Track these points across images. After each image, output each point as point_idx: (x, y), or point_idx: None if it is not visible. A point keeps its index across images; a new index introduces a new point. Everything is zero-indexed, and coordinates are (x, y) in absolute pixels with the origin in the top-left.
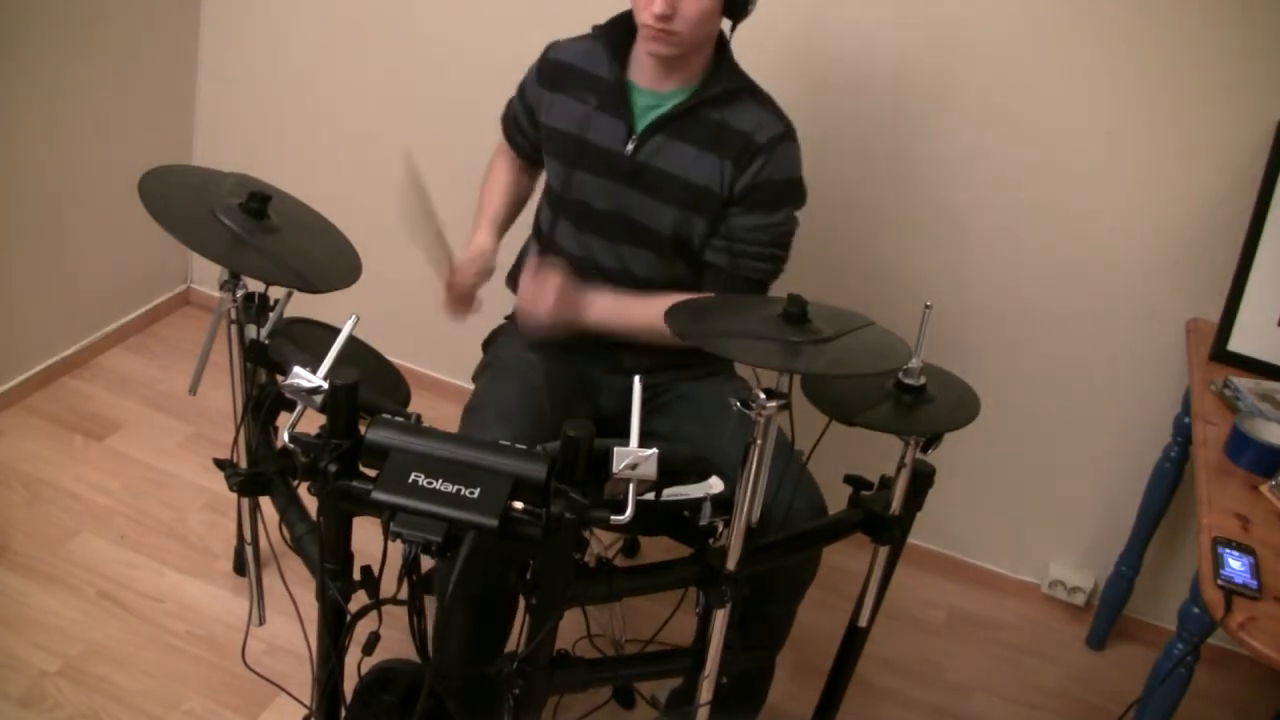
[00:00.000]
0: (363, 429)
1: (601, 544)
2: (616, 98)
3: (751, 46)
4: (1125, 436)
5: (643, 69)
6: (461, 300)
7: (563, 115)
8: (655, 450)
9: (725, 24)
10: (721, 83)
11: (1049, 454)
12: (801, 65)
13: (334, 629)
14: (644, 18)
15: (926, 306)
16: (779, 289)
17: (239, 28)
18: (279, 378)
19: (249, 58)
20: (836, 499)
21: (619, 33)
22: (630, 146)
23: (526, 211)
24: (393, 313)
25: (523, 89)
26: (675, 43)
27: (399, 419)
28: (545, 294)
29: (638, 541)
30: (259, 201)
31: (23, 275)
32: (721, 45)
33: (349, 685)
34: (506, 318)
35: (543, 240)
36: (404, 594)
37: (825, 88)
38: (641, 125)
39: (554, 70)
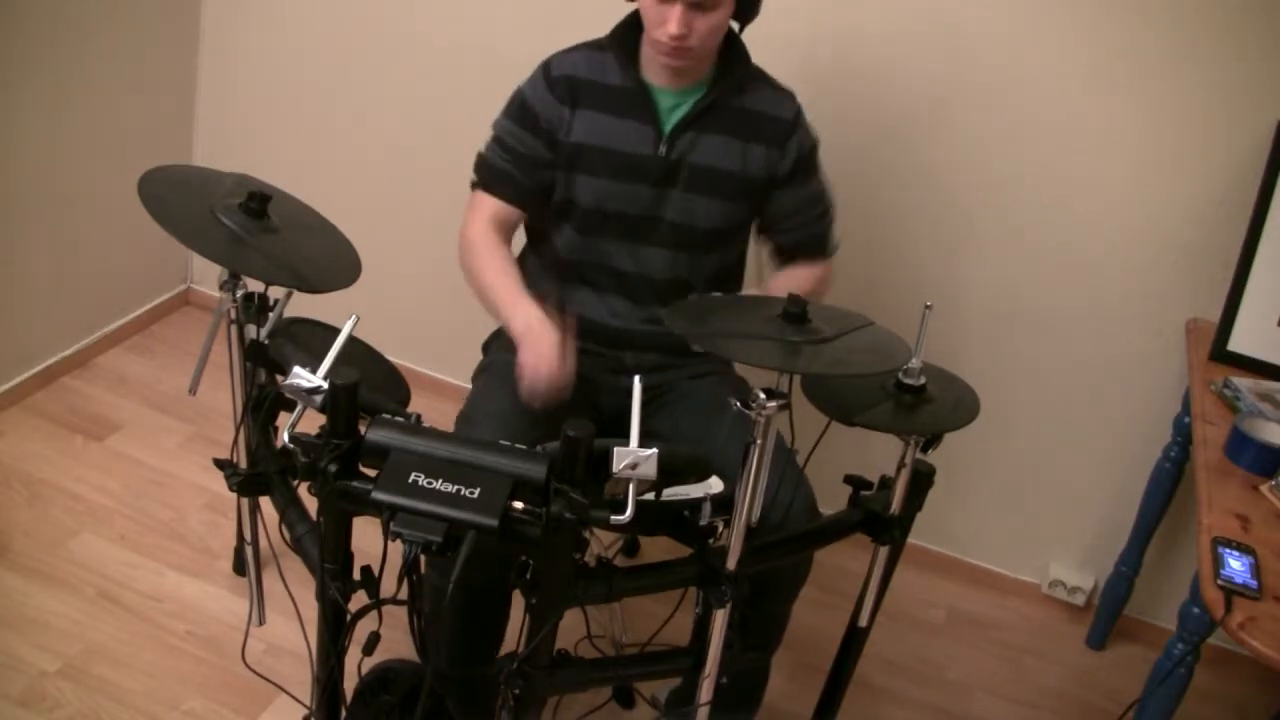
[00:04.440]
0: (363, 429)
1: (601, 544)
2: (639, 102)
3: (756, 49)
4: (1125, 436)
5: (656, 70)
6: (561, 380)
7: (588, 129)
8: (655, 450)
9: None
10: (735, 72)
11: (1049, 454)
12: (804, 67)
13: (334, 629)
14: (658, 35)
15: (926, 306)
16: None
17: (239, 28)
18: (279, 378)
19: (249, 58)
20: (837, 499)
21: (629, 37)
22: (662, 148)
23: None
24: (393, 313)
25: (534, 117)
26: (691, 57)
27: (399, 419)
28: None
29: (638, 541)
30: (259, 201)
31: (23, 275)
32: (730, 36)
33: (349, 685)
34: None
35: (541, 245)
36: (404, 594)
37: (827, 89)
38: (669, 125)
39: (567, 85)
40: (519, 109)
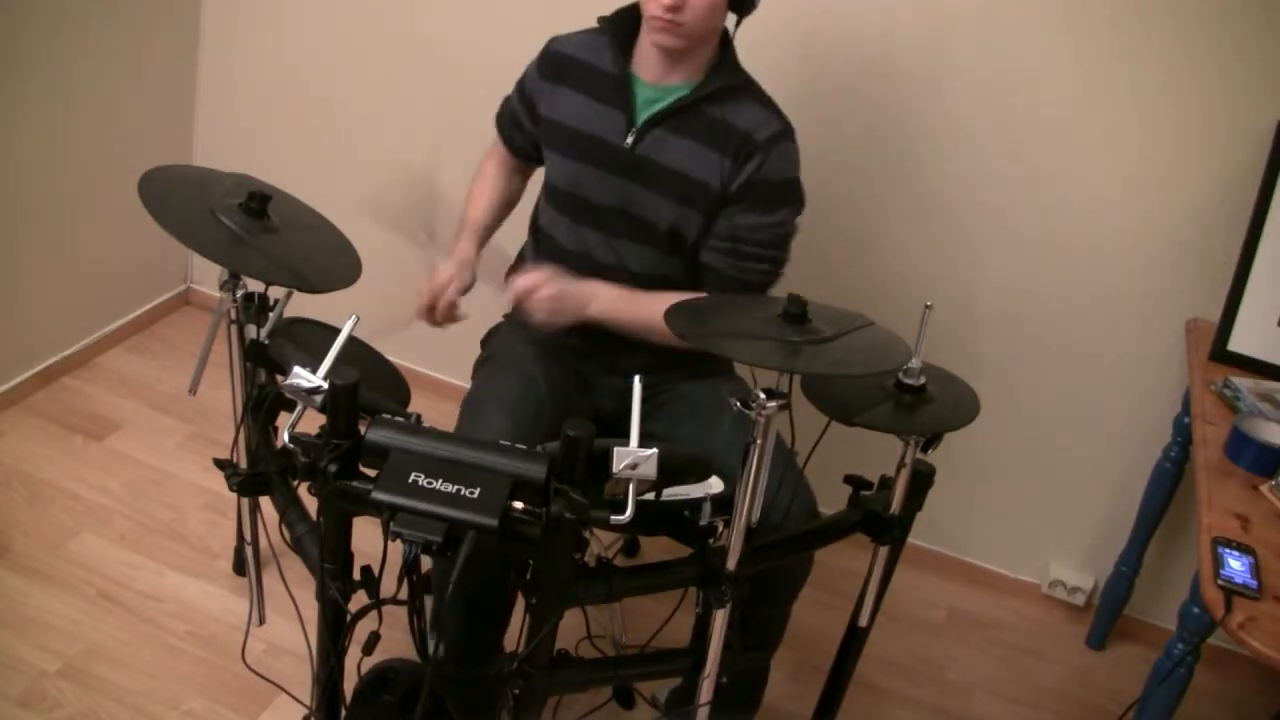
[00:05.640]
0: (363, 429)
1: (601, 544)
2: (618, 90)
3: (752, 46)
4: (1125, 437)
5: (646, 63)
6: (444, 311)
7: (563, 108)
8: (655, 450)
9: (730, 19)
10: (723, 79)
11: (1049, 454)
12: (802, 65)
13: (334, 629)
14: (652, 9)
15: (926, 306)
16: (779, 290)
17: (239, 28)
18: (279, 378)
19: (249, 58)
20: (837, 499)
21: (624, 25)
22: (630, 139)
23: (526, 205)
24: (393, 313)
25: (522, 83)
26: (683, 34)
27: (399, 419)
28: (543, 283)
29: (638, 541)
30: (259, 201)
31: (23, 275)
32: (725, 42)
33: (349, 685)
34: (505, 315)
35: (539, 235)
36: (404, 594)
37: (826, 88)
38: (641, 118)
39: (556, 62)
40: (524, 73)
